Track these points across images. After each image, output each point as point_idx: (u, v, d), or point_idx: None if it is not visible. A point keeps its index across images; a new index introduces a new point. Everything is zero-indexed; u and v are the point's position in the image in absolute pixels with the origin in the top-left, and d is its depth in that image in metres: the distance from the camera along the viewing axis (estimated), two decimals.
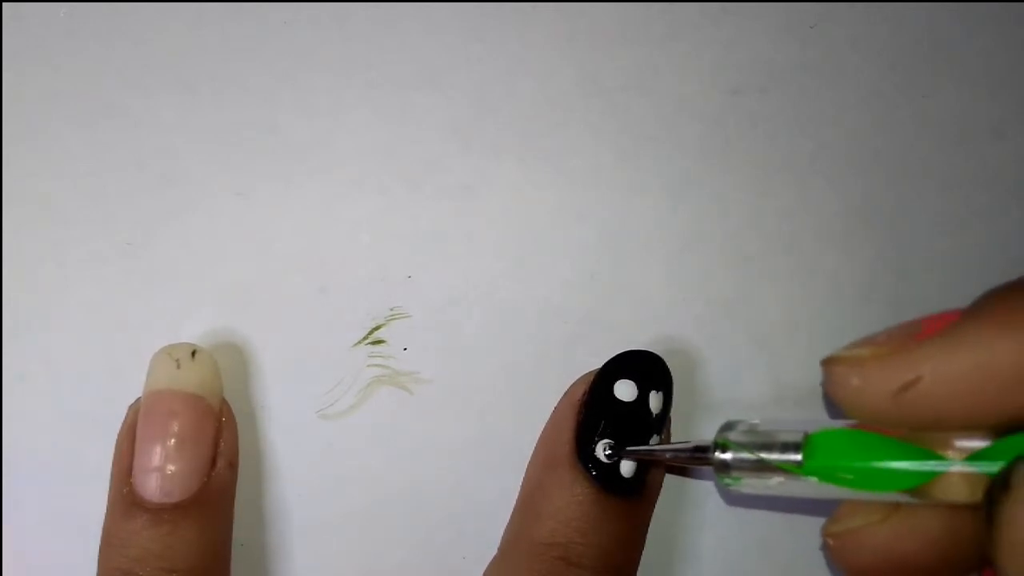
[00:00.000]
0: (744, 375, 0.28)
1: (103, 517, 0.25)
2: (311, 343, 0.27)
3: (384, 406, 0.27)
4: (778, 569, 0.28)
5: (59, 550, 0.26)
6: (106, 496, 0.25)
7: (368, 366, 0.27)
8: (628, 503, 0.25)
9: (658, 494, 0.26)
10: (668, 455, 0.24)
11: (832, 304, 0.29)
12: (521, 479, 0.27)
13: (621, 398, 0.25)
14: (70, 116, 0.28)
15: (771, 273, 0.29)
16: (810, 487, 0.21)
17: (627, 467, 0.25)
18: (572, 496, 0.24)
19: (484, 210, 0.28)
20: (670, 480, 0.27)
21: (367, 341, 0.27)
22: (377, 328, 0.28)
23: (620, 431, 0.25)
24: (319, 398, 0.27)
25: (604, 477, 0.24)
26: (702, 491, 0.28)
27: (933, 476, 0.20)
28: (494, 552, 0.26)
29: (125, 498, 0.24)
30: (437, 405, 0.27)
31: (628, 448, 0.25)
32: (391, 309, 0.28)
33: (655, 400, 0.25)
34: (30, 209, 0.27)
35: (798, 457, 0.21)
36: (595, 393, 0.25)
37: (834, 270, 0.29)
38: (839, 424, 0.21)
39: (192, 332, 0.27)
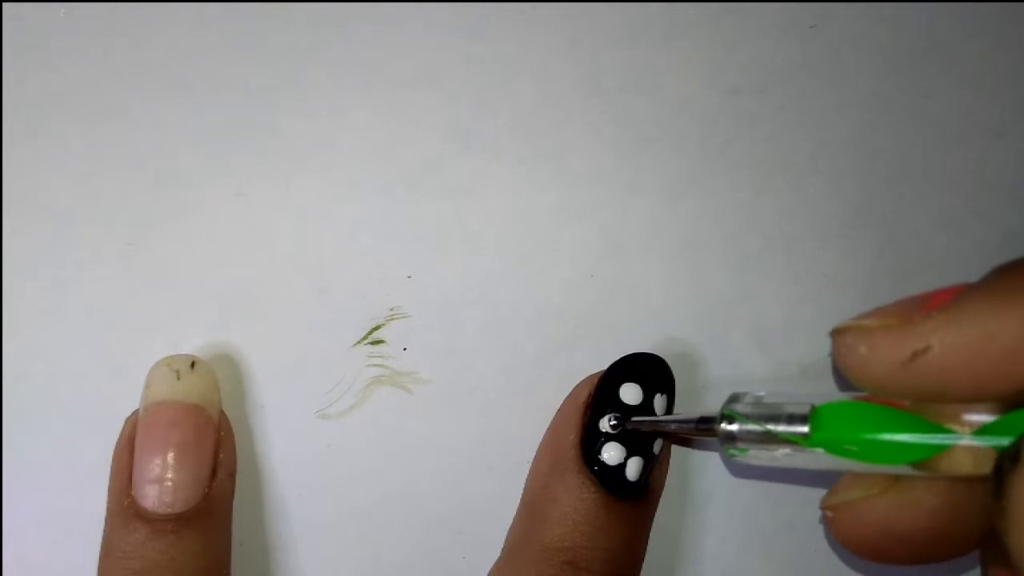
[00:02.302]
0: (744, 375, 0.28)
1: (103, 518, 0.25)
2: (311, 343, 0.27)
3: (384, 406, 0.27)
4: (778, 570, 0.28)
5: (59, 550, 0.26)
6: (105, 496, 0.25)
7: (368, 366, 0.27)
8: (633, 506, 0.25)
9: (660, 496, 0.26)
10: (673, 426, 0.24)
11: (832, 304, 0.29)
12: (521, 479, 0.27)
13: (627, 401, 0.25)
14: (70, 116, 0.28)
15: (771, 273, 0.29)
16: (816, 458, 0.21)
17: (633, 470, 0.25)
18: (579, 500, 0.24)
19: (484, 210, 0.28)
20: (671, 481, 0.27)
21: (367, 341, 0.27)
22: (377, 328, 0.28)
23: (625, 433, 0.25)
24: (319, 398, 0.27)
25: (610, 481, 0.24)
26: (703, 492, 0.28)
27: (941, 449, 0.20)
28: (494, 552, 0.26)
29: (126, 509, 0.24)
30: (437, 405, 0.27)
31: (633, 419, 0.25)
32: (391, 309, 0.28)
33: (660, 403, 0.25)
34: (30, 209, 0.27)
35: (805, 429, 0.21)
36: (600, 396, 0.25)
37: (834, 270, 0.29)
38: (846, 397, 0.21)
39: (191, 332, 0.27)
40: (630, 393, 0.25)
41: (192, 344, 0.27)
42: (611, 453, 0.25)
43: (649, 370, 0.26)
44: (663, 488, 0.26)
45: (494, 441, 0.28)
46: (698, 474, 0.28)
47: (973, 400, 0.19)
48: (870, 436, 0.20)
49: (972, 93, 0.30)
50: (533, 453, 0.27)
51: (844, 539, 0.22)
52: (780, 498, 0.28)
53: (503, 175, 0.28)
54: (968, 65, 0.30)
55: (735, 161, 0.29)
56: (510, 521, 0.27)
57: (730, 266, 0.29)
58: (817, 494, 0.28)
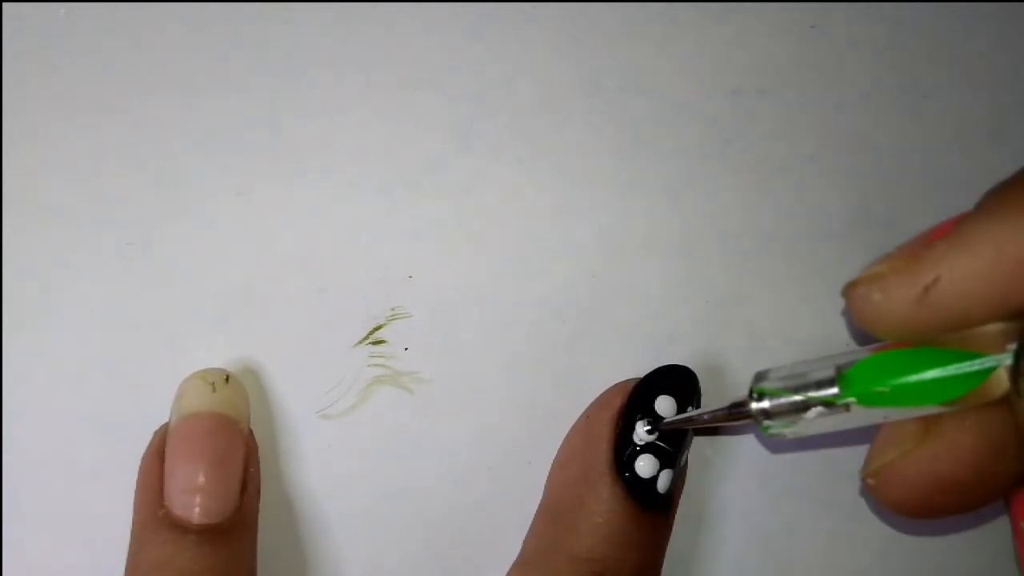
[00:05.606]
0: (744, 375, 0.28)
1: (103, 519, 0.25)
2: (311, 343, 0.27)
3: (384, 406, 0.27)
4: (780, 570, 0.28)
5: (59, 550, 0.26)
6: (105, 496, 0.25)
7: (368, 366, 0.27)
8: (660, 517, 0.25)
9: (678, 505, 0.26)
10: (706, 417, 0.24)
11: (832, 304, 0.29)
12: (522, 479, 0.27)
13: (661, 413, 0.25)
14: (70, 116, 0.27)
15: (771, 273, 0.29)
16: (854, 416, 0.21)
17: (663, 483, 0.25)
18: (611, 512, 0.24)
19: (484, 210, 0.28)
20: None
21: (367, 341, 0.27)
22: (377, 328, 0.28)
23: (658, 446, 0.25)
24: (319, 398, 0.27)
25: (642, 493, 0.24)
26: (702, 493, 0.28)
27: (985, 376, 0.19)
28: (494, 552, 0.26)
29: (160, 520, 0.24)
30: (437, 405, 0.27)
31: (667, 420, 0.25)
32: (391, 309, 0.28)
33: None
34: (30, 209, 0.27)
35: (835, 390, 0.21)
36: (635, 406, 0.25)
37: (834, 270, 0.29)
38: (868, 352, 0.21)
39: (192, 332, 0.27)
40: (665, 405, 0.25)
41: (192, 344, 0.27)
42: (645, 465, 0.25)
43: (683, 383, 0.26)
44: (680, 497, 0.26)
45: (494, 441, 0.28)
46: (697, 475, 0.28)
47: (994, 319, 0.19)
48: (912, 378, 0.20)
49: (972, 93, 0.30)
50: (533, 453, 0.27)
51: (890, 501, 0.22)
52: (780, 499, 0.28)
53: (503, 175, 0.28)
54: (968, 65, 0.30)
55: (735, 161, 0.29)
56: (511, 521, 0.27)
57: (730, 266, 0.29)
58: (816, 495, 0.29)
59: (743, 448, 0.28)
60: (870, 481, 0.22)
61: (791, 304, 0.29)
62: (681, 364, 0.26)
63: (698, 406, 0.26)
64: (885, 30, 0.30)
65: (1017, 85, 0.30)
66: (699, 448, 0.28)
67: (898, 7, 0.30)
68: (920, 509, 0.22)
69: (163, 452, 0.24)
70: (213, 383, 0.25)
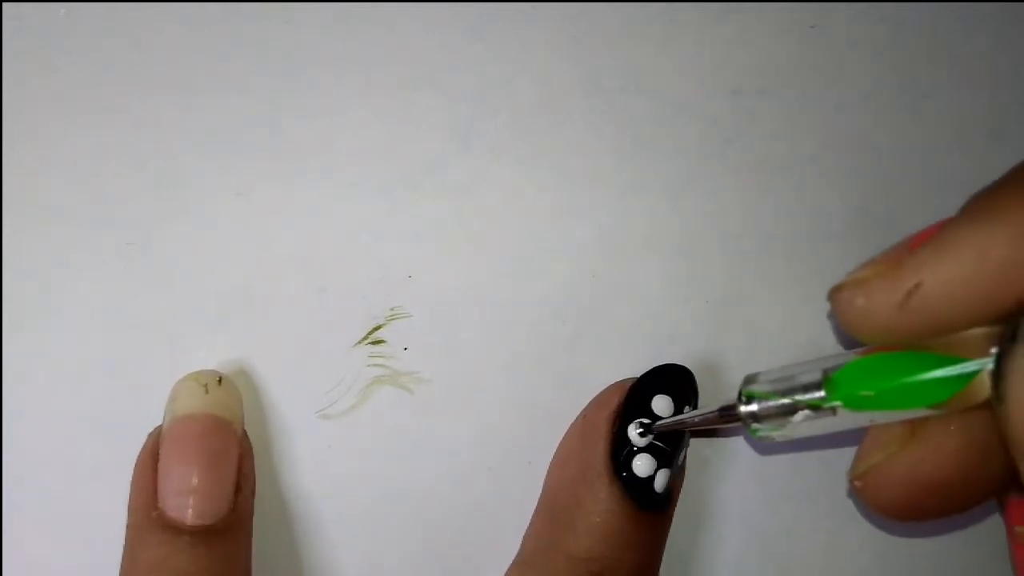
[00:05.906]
0: (743, 375, 0.28)
1: (102, 519, 0.25)
2: (311, 343, 0.27)
3: (384, 406, 0.27)
4: (779, 571, 0.28)
5: (59, 550, 0.26)
6: (105, 496, 0.25)
7: (368, 366, 0.27)
8: (657, 517, 0.25)
9: (676, 505, 0.26)
10: (697, 419, 0.24)
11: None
12: (521, 479, 0.27)
13: (658, 413, 0.25)
14: (70, 116, 0.27)
15: (771, 273, 0.29)
16: (841, 419, 0.21)
17: (660, 482, 0.25)
18: (609, 512, 0.24)
19: (484, 210, 0.28)
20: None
21: (367, 341, 0.27)
22: (377, 328, 0.28)
23: (655, 445, 0.25)
24: (319, 398, 0.27)
25: (640, 493, 0.24)
26: (700, 494, 0.28)
27: (969, 379, 0.19)
28: (495, 552, 0.26)
29: (153, 522, 0.24)
30: (437, 405, 0.27)
31: (659, 422, 0.25)
32: (391, 309, 0.28)
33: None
34: (30, 209, 0.27)
35: (822, 393, 0.21)
36: (631, 406, 0.25)
37: (834, 270, 0.29)
38: (854, 355, 0.21)
39: (191, 332, 0.27)
40: (662, 404, 0.25)
41: (191, 344, 0.27)
42: (642, 464, 0.25)
43: (680, 382, 0.26)
44: (678, 497, 0.26)
45: (494, 441, 0.28)
46: (696, 475, 0.28)
47: (977, 324, 0.19)
48: (897, 382, 0.20)
49: (972, 93, 0.30)
50: (533, 453, 0.27)
51: (877, 503, 0.22)
52: (779, 499, 0.28)
53: (503, 175, 0.28)
54: (968, 65, 0.30)
55: (735, 161, 0.29)
56: (511, 521, 0.27)
57: (730, 266, 0.29)
58: (815, 496, 0.29)
59: (742, 448, 0.28)
60: (857, 483, 0.23)
61: (791, 304, 0.29)
62: (678, 363, 0.26)
63: (695, 405, 0.26)
64: (885, 30, 0.30)
65: (1017, 85, 0.30)
66: (698, 448, 0.28)
67: (898, 7, 0.30)
68: (906, 511, 0.22)
69: (157, 454, 0.24)
70: (206, 385, 0.25)
